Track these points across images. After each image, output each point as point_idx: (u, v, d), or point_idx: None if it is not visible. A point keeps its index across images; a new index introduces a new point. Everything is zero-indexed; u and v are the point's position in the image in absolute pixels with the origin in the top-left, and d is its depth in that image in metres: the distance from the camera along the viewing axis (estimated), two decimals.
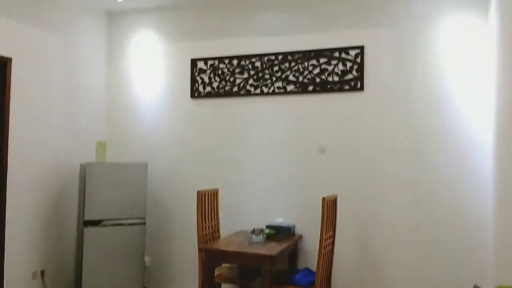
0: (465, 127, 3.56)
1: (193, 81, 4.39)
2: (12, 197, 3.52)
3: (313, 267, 3.79)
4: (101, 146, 3.96)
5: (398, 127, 3.74)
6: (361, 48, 3.82)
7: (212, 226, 3.89)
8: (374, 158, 3.80)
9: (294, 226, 3.96)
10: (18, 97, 3.60)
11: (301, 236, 3.93)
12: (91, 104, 4.48)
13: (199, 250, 3.60)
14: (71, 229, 4.18)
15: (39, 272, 3.80)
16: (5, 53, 3.50)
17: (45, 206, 3.88)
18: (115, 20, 4.71)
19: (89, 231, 3.67)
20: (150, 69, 4.58)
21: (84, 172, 3.78)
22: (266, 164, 4.14)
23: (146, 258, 4.29)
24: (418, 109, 3.69)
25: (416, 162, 3.68)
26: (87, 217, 3.67)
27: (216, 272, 3.62)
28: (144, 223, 3.91)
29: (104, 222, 3.73)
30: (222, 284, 3.91)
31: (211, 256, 3.33)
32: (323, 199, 3.25)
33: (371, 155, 3.81)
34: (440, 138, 3.62)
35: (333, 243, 3.60)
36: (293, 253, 3.88)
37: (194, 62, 4.39)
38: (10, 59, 3.55)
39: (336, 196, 3.66)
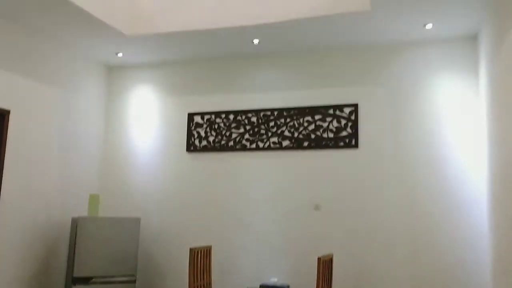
0: (459, 182, 3.58)
1: (190, 135, 4.44)
2: (1, 251, 3.44)
3: None
4: (95, 199, 3.93)
5: (393, 183, 3.76)
6: (355, 106, 3.92)
7: (204, 285, 3.78)
8: (370, 215, 3.79)
9: (288, 286, 3.86)
10: (14, 148, 3.63)
11: None
12: (86, 157, 4.49)
13: None
14: (58, 286, 4.04)
15: None
16: (3, 105, 3.56)
17: (34, 261, 3.78)
18: (114, 74, 4.84)
19: None
20: (147, 122, 4.65)
21: (75, 226, 3.73)
22: (261, 220, 4.10)
23: None
24: (413, 165, 3.73)
25: (411, 217, 3.67)
26: (77, 274, 3.57)
27: None
28: (134, 281, 3.80)
29: (93, 280, 3.63)
30: None
31: None
32: (319, 259, 3.19)
33: (366, 212, 3.80)
34: (435, 194, 3.63)
35: None
36: None
37: (190, 116, 4.47)
38: (8, 112, 3.60)
39: (332, 255, 3.60)
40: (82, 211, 4.25)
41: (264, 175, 4.16)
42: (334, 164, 3.94)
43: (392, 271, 3.66)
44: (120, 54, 4.41)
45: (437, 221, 3.60)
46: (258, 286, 3.80)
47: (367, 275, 3.71)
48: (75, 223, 3.74)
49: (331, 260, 3.55)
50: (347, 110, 3.94)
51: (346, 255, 3.78)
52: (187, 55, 4.39)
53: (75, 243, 3.63)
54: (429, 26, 3.51)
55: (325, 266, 3.35)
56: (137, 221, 3.86)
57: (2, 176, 3.50)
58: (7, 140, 3.58)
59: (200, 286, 3.70)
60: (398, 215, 3.71)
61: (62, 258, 4.11)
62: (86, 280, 3.60)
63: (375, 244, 3.73)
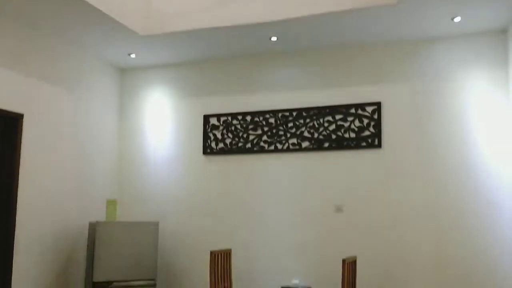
0: (487, 182, 3.64)
1: (206, 137, 4.54)
2: (20, 256, 3.58)
3: None
4: (112, 204, 4.05)
5: (418, 184, 3.84)
6: (378, 104, 4.00)
7: None
8: (394, 216, 3.86)
9: None
10: (29, 153, 3.75)
11: None
12: (102, 161, 4.61)
13: None
14: None
15: None
16: (17, 109, 3.67)
17: (53, 266, 3.91)
18: (128, 76, 4.96)
19: None
20: (162, 125, 4.76)
21: (93, 231, 3.84)
22: (281, 223, 4.19)
23: None
24: (439, 165, 3.80)
25: (437, 218, 3.74)
26: (96, 278, 3.69)
27: None
28: (155, 285, 3.91)
29: (113, 284, 3.74)
30: None
31: None
32: (344, 260, 3.28)
33: (390, 213, 3.88)
34: (462, 195, 3.70)
35: None
36: None
37: (206, 118, 4.57)
38: (22, 115, 3.71)
39: (356, 257, 3.68)
40: (100, 217, 4.37)
41: (283, 177, 4.25)
42: (356, 165, 4.03)
43: (417, 275, 3.73)
44: (133, 55, 4.52)
45: (465, 223, 3.67)
46: None
47: (391, 278, 3.79)
48: (93, 228, 3.85)
49: (355, 262, 3.64)
50: (369, 109, 4.02)
51: (369, 257, 3.86)
52: (202, 54, 4.49)
53: (93, 248, 3.74)
54: (457, 19, 3.53)
55: (349, 268, 3.43)
56: (155, 225, 3.97)
57: (18, 181, 3.62)
58: (22, 144, 3.67)
59: None
60: (424, 217, 3.78)
61: (81, 263, 4.23)
62: (106, 284, 3.71)
63: (400, 246, 3.81)
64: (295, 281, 4.02)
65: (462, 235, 3.66)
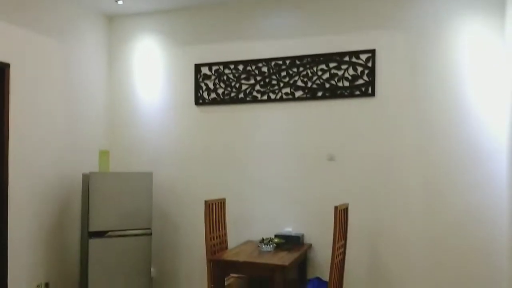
0: (480, 134, 3.67)
1: (197, 87, 4.49)
2: (14, 209, 3.61)
3: (323, 276, 3.91)
4: (104, 155, 4.06)
5: (411, 133, 3.86)
6: (373, 52, 3.94)
7: (219, 237, 3.99)
8: (386, 166, 3.92)
9: (303, 235, 4.07)
10: (17, 104, 3.69)
11: (310, 246, 4.04)
12: (92, 111, 4.58)
13: (208, 260, 3.70)
14: (74, 241, 4.27)
15: (43, 285, 3.90)
16: (2, 58, 3.58)
17: (48, 218, 3.97)
18: (115, 24, 4.82)
19: (94, 242, 3.76)
20: (152, 74, 4.69)
21: (87, 182, 3.87)
22: (274, 172, 4.25)
23: (152, 269, 4.38)
24: (432, 115, 3.81)
25: (429, 169, 3.80)
26: (92, 228, 3.76)
27: (225, 283, 3.72)
28: (150, 234, 4.01)
29: (109, 233, 3.82)
30: None
31: (221, 267, 3.43)
32: (336, 207, 3.36)
33: (382, 163, 3.93)
34: (454, 145, 3.74)
35: (344, 253, 3.71)
36: (302, 263, 3.99)
37: (198, 67, 4.50)
38: (8, 65, 3.63)
39: (348, 205, 3.78)
40: (92, 168, 4.39)
41: (277, 127, 4.25)
42: (349, 114, 4.03)
43: (408, 220, 3.84)
44: (120, 2, 4.37)
45: (455, 169, 3.73)
46: (273, 236, 4.00)
47: (382, 225, 3.90)
48: (87, 179, 3.88)
49: (346, 210, 3.73)
50: (363, 57, 3.97)
51: (361, 205, 3.95)
52: (192, 0, 4.35)
53: (88, 199, 3.79)
54: None
55: (341, 215, 3.53)
56: (149, 175, 4.01)
57: (8, 133, 3.59)
58: (10, 95, 3.61)
59: (215, 237, 3.91)
60: (416, 164, 3.84)
61: (76, 213, 4.31)
62: (101, 234, 3.79)
63: (391, 194, 3.89)
64: (288, 229, 4.13)
65: (452, 184, 3.73)
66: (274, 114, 4.26)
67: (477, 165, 3.67)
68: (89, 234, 3.76)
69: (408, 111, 3.87)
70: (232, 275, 4.04)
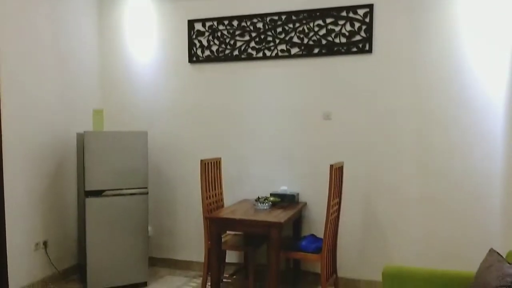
0: (478, 92, 3.62)
1: (191, 44, 4.39)
2: (9, 170, 3.61)
3: (318, 233, 3.99)
4: (98, 114, 4.01)
5: (408, 91, 3.82)
6: (370, 6, 3.83)
7: (216, 195, 4.03)
8: (382, 124, 3.90)
9: (298, 194, 4.12)
10: (7, 66, 3.60)
11: (305, 204, 4.10)
12: (84, 70, 4.49)
13: (205, 218, 3.75)
14: (71, 200, 4.31)
15: (41, 243, 3.95)
16: None
17: (44, 178, 3.98)
18: None
19: (91, 201, 3.79)
20: (144, 31, 4.57)
21: (81, 142, 3.85)
22: (269, 131, 4.23)
23: (149, 228, 4.45)
24: (430, 72, 3.75)
25: (425, 127, 3.79)
26: (88, 187, 3.77)
27: (222, 240, 3.79)
28: (147, 193, 4.03)
29: (106, 193, 3.84)
30: (226, 252, 4.10)
31: (217, 225, 3.48)
32: (331, 166, 3.38)
33: (378, 121, 3.91)
34: (451, 103, 3.71)
35: (338, 210, 3.76)
36: (297, 220, 4.05)
37: (191, 23, 4.38)
38: None
39: (343, 163, 3.79)
40: (86, 128, 4.36)
41: (272, 85, 4.20)
42: (346, 71, 3.97)
43: (403, 177, 3.87)
44: None
45: (450, 126, 3.72)
46: (269, 195, 4.05)
47: (377, 182, 3.94)
48: (81, 138, 3.86)
49: (342, 168, 3.75)
50: (361, 12, 3.86)
51: (356, 164, 3.97)
52: None
53: (83, 158, 3.78)
54: None
55: (337, 174, 3.55)
56: (144, 134, 3.98)
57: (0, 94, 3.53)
58: None
59: (212, 196, 3.95)
60: (411, 122, 3.83)
61: (72, 173, 4.32)
62: (98, 193, 3.81)
63: (387, 152, 3.90)
64: (284, 188, 4.17)
65: (447, 140, 3.73)
66: (270, 71, 4.19)
67: (473, 122, 3.65)
68: (85, 193, 3.78)
69: (405, 68, 3.81)
70: (228, 232, 4.11)
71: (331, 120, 4.04)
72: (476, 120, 3.64)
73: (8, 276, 3.59)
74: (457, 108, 3.69)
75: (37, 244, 3.91)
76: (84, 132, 3.77)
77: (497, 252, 2.08)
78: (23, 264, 3.75)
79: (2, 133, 3.53)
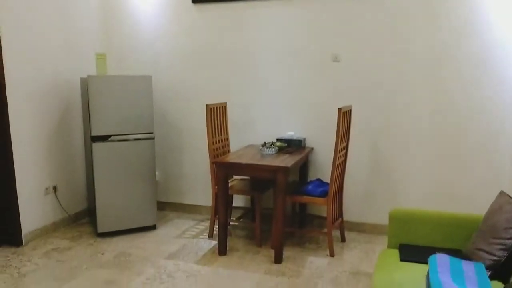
0: (492, 34, 3.48)
1: None
2: (15, 116, 3.59)
3: (324, 178, 4.00)
4: (101, 58, 3.91)
5: (420, 34, 3.67)
6: None
7: (222, 140, 4.02)
8: (392, 67, 3.79)
9: (304, 139, 4.09)
10: (9, 14, 3.49)
11: (312, 149, 4.08)
12: (85, 15, 4.35)
13: (212, 163, 3.76)
14: (78, 145, 4.32)
15: (51, 188, 4.01)
16: None
17: (51, 123, 3.97)
18: None
19: (98, 146, 3.79)
20: None
21: (85, 86, 3.79)
22: (275, 75, 4.13)
23: (157, 173, 4.48)
24: (443, 14, 3.58)
25: (436, 71, 3.68)
26: (94, 132, 3.76)
27: (228, 185, 3.82)
28: (153, 138, 4.02)
29: (112, 137, 3.83)
30: (233, 196, 4.15)
31: (224, 169, 3.49)
32: (339, 109, 3.32)
33: (389, 63, 3.80)
34: (464, 46, 3.57)
35: (346, 155, 3.75)
36: (304, 165, 4.06)
37: None
38: None
39: (351, 107, 3.73)
40: (90, 73, 4.28)
41: (278, 26, 4.05)
42: (356, 12, 3.80)
43: (411, 118, 3.81)
44: None
45: (461, 65, 3.60)
46: (275, 140, 4.02)
47: (386, 125, 3.89)
48: (85, 83, 3.79)
49: (350, 112, 3.69)
50: None
51: (365, 108, 3.90)
52: None
53: (88, 103, 3.73)
54: None
55: (345, 117, 3.50)
56: (148, 79, 3.91)
57: (1, 42, 3.42)
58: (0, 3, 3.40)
59: (218, 141, 3.94)
60: (422, 69, 3.71)
61: (78, 118, 4.30)
62: (104, 138, 3.80)
63: (396, 95, 3.82)
64: (290, 133, 4.14)
65: (458, 80, 3.63)
66: (277, 11, 4.03)
67: (486, 57, 3.53)
68: (92, 138, 3.77)
69: (418, 9, 3.63)
70: (235, 177, 4.14)
71: (339, 63, 3.92)
72: (490, 55, 3.52)
73: (21, 220, 3.67)
74: (469, 46, 3.56)
75: (47, 188, 3.97)
76: (88, 76, 3.70)
77: (508, 194, 2.07)
78: (34, 209, 3.82)
79: (6, 80, 3.47)
